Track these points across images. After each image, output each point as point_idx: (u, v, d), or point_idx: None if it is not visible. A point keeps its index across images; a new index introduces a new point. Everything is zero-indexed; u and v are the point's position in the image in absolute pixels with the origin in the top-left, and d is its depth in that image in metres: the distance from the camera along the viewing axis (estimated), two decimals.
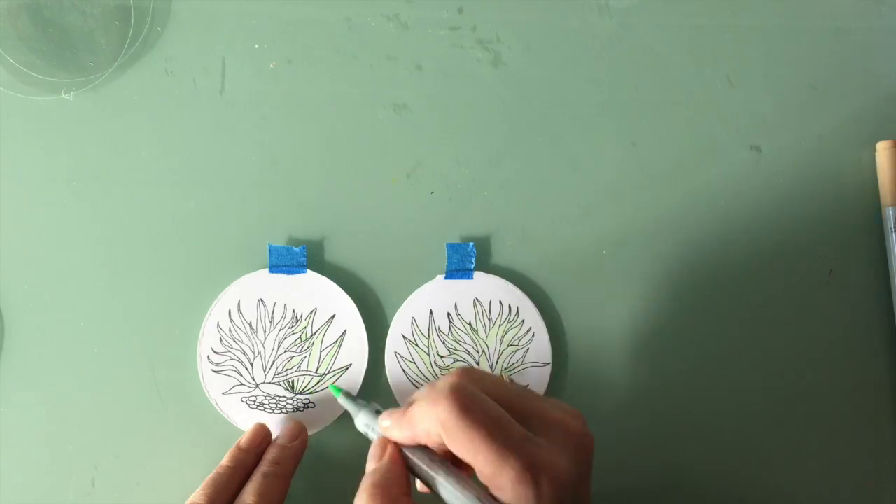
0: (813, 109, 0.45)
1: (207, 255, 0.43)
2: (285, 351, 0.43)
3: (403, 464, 0.33)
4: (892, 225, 0.43)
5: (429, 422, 0.31)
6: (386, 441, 0.34)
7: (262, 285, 0.43)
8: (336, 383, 0.42)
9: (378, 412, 0.35)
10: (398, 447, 0.33)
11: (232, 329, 0.42)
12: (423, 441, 0.32)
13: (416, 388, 0.42)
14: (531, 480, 0.30)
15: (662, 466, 0.43)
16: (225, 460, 0.39)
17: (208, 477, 0.38)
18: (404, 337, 0.43)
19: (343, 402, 0.37)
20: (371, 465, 0.33)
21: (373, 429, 0.35)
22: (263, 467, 0.38)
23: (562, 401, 0.34)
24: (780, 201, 0.44)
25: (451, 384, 0.31)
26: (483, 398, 0.31)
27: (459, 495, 0.31)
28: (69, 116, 0.43)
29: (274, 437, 0.41)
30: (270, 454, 0.39)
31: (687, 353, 0.44)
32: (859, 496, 0.44)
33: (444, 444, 0.31)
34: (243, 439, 0.41)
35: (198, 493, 0.37)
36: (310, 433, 0.41)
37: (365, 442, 0.34)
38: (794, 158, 0.45)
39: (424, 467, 0.33)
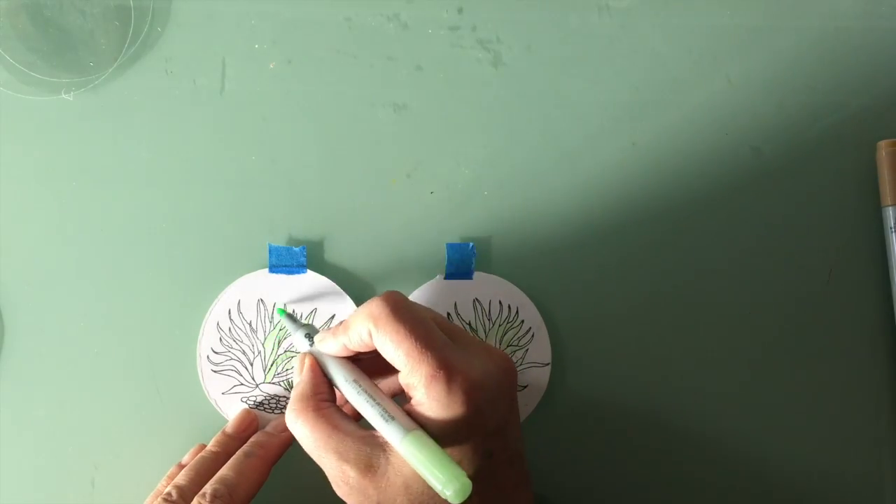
0: (813, 109, 0.45)
1: (207, 255, 0.43)
2: (285, 351, 0.43)
3: (322, 373, 0.36)
4: (892, 225, 0.43)
5: (361, 321, 0.34)
6: (304, 356, 0.37)
7: (262, 285, 0.43)
8: None
9: (311, 335, 0.38)
10: (314, 359, 0.37)
11: (232, 329, 0.42)
12: (354, 347, 0.35)
13: None
14: (444, 378, 0.32)
15: (663, 466, 0.43)
16: (210, 445, 0.40)
17: (193, 460, 0.39)
18: None
19: (285, 322, 0.40)
20: (295, 379, 0.37)
21: (303, 347, 0.38)
22: (246, 447, 0.39)
23: None
24: (780, 201, 0.44)
25: (386, 292, 0.34)
26: (414, 305, 0.35)
27: (369, 406, 0.33)
28: (69, 116, 0.43)
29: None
30: (255, 438, 0.40)
31: (687, 353, 0.44)
32: (859, 495, 0.44)
33: (371, 345, 0.34)
34: (229, 425, 0.41)
35: (181, 475, 0.38)
36: None
37: None
38: (794, 158, 0.45)
39: (340, 378, 0.35)
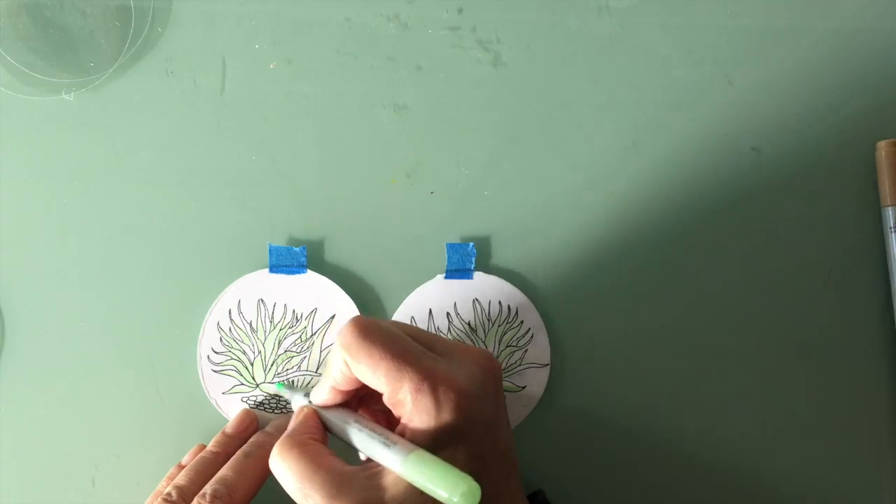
0: (813, 109, 0.45)
1: (207, 255, 0.43)
2: (285, 351, 0.43)
3: (318, 419, 0.36)
4: (892, 225, 0.43)
5: (336, 356, 0.33)
6: (301, 408, 0.37)
7: (262, 285, 0.43)
8: None
9: (307, 395, 0.38)
10: (312, 409, 0.36)
11: (232, 329, 0.43)
12: (342, 384, 0.34)
13: None
14: (429, 389, 0.32)
15: (662, 467, 0.43)
16: (210, 445, 0.40)
17: (193, 461, 0.39)
18: None
19: (285, 392, 0.41)
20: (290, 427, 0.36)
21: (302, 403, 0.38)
22: (245, 447, 0.39)
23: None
24: (779, 201, 0.44)
25: (352, 318, 0.33)
26: (382, 324, 0.34)
27: (368, 438, 0.33)
28: (69, 116, 0.43)
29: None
30: (255, 438, 0.40)
31: (686, 353, 0.44)
32: (859, 496, 0.44)
33: (355, 379, 0.33)
34: (229, 425, 0.41)
35: (181, 475, 0.38)
36: None
37: None
38: (794, 158, 0.45)
39: (337, 421, 0.35)
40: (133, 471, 0.42)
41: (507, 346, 0.43)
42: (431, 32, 0.45)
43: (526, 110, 0.45)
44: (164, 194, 0.43)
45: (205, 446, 0.40)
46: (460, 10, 0.45)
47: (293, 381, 0.42)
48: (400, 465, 0.31)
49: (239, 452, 0.38)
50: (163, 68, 0.44)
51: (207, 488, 0.36)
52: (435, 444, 0.31)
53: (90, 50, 0.44)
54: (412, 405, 0.32)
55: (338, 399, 0.36)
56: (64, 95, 0.43)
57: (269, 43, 0.44)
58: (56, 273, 0.43)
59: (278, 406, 0.42)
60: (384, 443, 0.32)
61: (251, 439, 0.40)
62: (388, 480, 0.32)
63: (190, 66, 0.44)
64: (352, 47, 0.44)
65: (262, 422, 0.42)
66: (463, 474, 0.30)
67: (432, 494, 0.30)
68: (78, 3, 0.44)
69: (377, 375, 0.32)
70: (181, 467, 0.40)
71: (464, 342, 0.42)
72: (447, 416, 0.32)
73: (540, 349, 0.43)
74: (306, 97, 0.44)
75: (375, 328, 0.33)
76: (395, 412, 0.33)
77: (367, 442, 0.33)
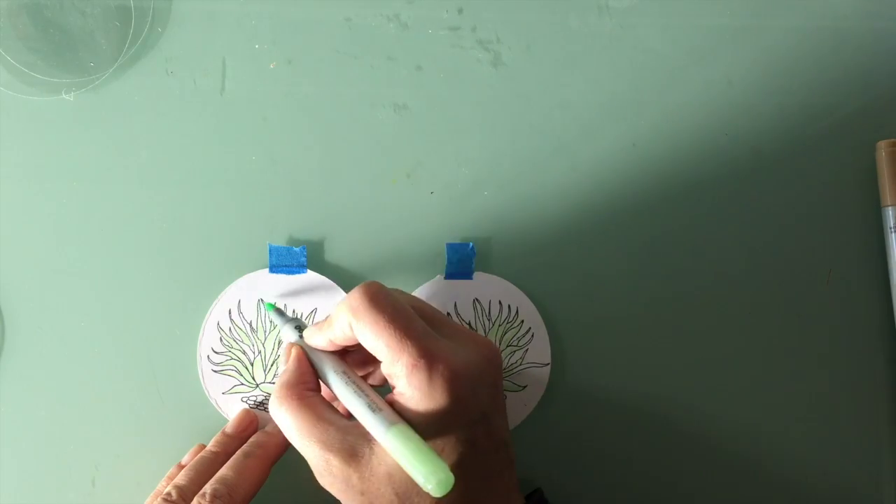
0: (813, 109, 0.45)
1: (207, 255, 0.43)
2: None
3: (309, 363, 0.36)
4: (892, 225, 0.43)
5: (342, 314, 0.33)
6: (291, 346, 0.37)
7: (262, 285, 0.43)
8: None
9: (300, 328, 0.38)
10: (302, 349, 0.36)
11: (232, 329, 0.42)
12: (339, 341, 0.35)
13: None
14: (425, 367, 0.32)
15: (662, 467, 0.43)
16: (210, 445, 0.40)
17: (193, 460, 0.39)
18: None
19: (273, 316, 0.40)
20: (280, 368, 0.36)
21: (292, 338, 0.38)
22: (245, 447, 0.39)
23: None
24: (779, 201, 0.44)
25: (365, 283, 0.34)
26: (394, 295, 0.34)
27: (355, 396, 0.33)
28: (69, 116, 0.43)
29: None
30: (255, 437, 0.40)
31: (686, 353, 0.44)
32: (859, 496, 0.44)
33: (355, 339, 0.33)
34: (229, 425, 0.41)
35: (181, 475, 0.38)
36: None
37: None
38: (794, 159, 0.45)
39: (326, 368, 0.35)
40: (133, 471, 0.42)
41: (507, 346, 0.43)
42: (431, 32, 0.45)
43: (526, 110, 0.45)
44: (164, 194, 0.43)
45: (205, 446, 0.40)
46: (460, 10, 0.45)
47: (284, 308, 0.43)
48: (382, 434, 0.31)
49: (239, 452, 0.38)
50: (163, 68, 0.44)
51: (207, 488, 0.36)
52: (422, 422, 0.32)
53: (90, 50, 0.44)
54: (406, 380, 0.32)
55: (330, 349, 0.36)
56: (64, 95, 0.43)
57: (269, 43, 0.44)
58: (56, 273, 0.43)
59: None
60: (370, 406, 0.32)
61: (251, 439, 0.40)
62: (379, 447, 0.32)
63: (190, 66, 0.44)
64: (352, 47, 0.44)
65: (262, 422, 0.42)
66: (441, 462, 0.30)
67: (407, 472, 0.30)
68: (78, 3, 0.44)
69: (378, 343, 0.33)
70: (181, 467, 0.40)
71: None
72: (439, 396, 0.32)
73: (540, 349, 0.43)
74: (306, 97, 0.44)
75: (385, 296, 0.33)
76: (390, 382, 0.34)
77: (352, 399, 0.33)
